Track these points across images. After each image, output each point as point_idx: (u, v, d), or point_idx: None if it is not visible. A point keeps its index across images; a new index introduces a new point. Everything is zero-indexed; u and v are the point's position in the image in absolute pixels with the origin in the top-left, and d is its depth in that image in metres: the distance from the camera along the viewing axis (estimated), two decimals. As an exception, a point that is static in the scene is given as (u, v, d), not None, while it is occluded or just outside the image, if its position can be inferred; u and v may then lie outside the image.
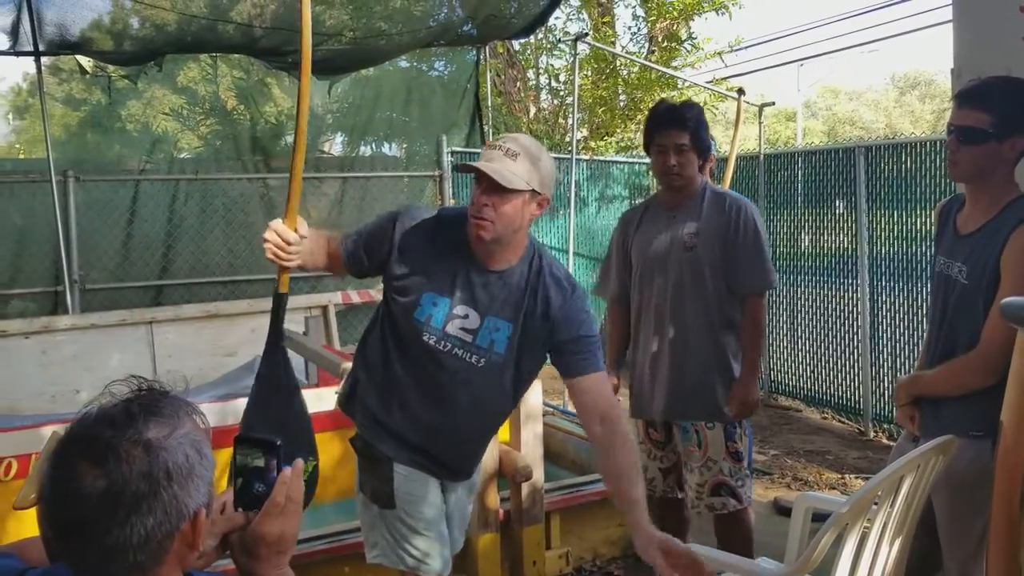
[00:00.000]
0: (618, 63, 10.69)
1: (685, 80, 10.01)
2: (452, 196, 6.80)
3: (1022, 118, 2.13)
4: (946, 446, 2.03)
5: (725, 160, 4.67)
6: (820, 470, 5.14)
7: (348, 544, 3.08)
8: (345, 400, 2.36)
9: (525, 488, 3.41)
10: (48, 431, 2.91)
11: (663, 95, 10.19)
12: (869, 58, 46.13)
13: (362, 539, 2.36)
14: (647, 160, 9.56)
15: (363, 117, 7.23)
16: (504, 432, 3.43)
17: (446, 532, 2.31)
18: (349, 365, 2.48)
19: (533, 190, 2.07)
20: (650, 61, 10.24)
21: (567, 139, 10.63)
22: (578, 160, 7.75)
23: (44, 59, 5.65)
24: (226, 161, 6.63)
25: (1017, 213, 2.11)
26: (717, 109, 10.92)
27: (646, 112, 10.88)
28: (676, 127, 2.90)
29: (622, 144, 11.22)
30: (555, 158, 8.34)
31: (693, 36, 11.08)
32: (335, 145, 7.99)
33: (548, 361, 2.26)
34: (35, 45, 5.28)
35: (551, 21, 9.50)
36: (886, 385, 5.92)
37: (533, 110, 11.65)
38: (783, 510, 4.20)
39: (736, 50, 11.55)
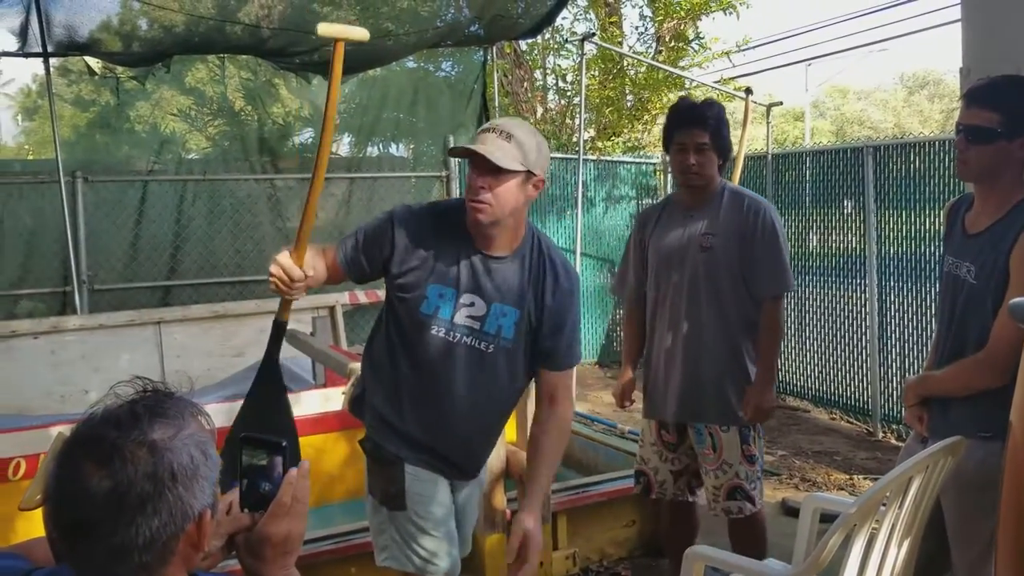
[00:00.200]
0: (625, 63, 10.66)
1: (692, 80, 9.97)
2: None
3: (1032, 117, 2.11)
4: (955, 447, 2.02)
5: (733, 160, 4.66)
6: (828, 471, 5.12)
7: (354, 544, 3.08)
8: (354, 402, 2.36)
9: (532, 488, 3.39)
10: (56, 431, 2.92)
11: (670, 95, 10.15)
12: (878, 57, 46.14)
13: (368, 539, 2.36)
14: (654, 160, 9.52)
15: (370, 117, 7.22)
16: (511, 432, 3.42)
17: (455, 531, 2.30)
18: (356, 365, 2.48)
19: (528, 171, 2.08)
20: (657, 61, 10.21)
21: (574, 139, 10.60)
22: (585, 160, 7.73)
23: (53, 60, 5.67)
24: (234, 162, 6.63)
25: (1026, 213, 2.10)
26: (725, 109, 10.84)
27: (653, 112, 10.89)
28: (697, 126, 2.87)
29: (629, 144, 11.19)
30: (562, 158, 8.31)
31: (701, 36, 11.02)
32: (342, 145, 7.99)
33: None
34: (44, 46, 5.29)
35: (558, 21, 9.47)
36: (895, 385, 5.89)
37: (540, 110, 11.63)
38: (791, 511, 4.18)
39: (744, 50, 11.50)
